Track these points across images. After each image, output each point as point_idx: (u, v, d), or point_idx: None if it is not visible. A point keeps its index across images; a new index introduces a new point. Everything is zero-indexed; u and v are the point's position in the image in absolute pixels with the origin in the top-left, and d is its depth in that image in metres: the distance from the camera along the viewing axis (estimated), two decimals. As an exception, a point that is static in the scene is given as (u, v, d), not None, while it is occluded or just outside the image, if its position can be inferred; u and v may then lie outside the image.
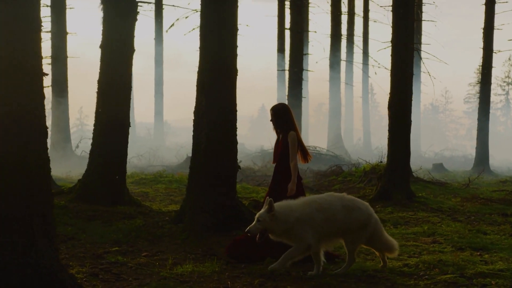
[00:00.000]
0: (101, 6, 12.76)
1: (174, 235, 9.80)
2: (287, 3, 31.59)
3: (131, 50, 12.22)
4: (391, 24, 15.94)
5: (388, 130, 15.68)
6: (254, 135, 64.03)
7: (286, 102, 28.15)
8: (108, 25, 12.03)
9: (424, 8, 39.00)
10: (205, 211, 9.81)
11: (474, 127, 31.55)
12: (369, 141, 43.96)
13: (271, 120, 8.70)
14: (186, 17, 31.80)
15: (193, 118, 10.15)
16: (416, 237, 10.58)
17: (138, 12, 12.24)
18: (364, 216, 7.71)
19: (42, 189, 5.68)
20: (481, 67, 29.86)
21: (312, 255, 7.67)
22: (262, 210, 7.53)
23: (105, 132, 12.23)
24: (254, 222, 7.50)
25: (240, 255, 8.33)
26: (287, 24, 29.94)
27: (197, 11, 32.93)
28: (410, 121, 15.78)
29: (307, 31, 32.66)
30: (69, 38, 27.10)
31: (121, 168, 12.28)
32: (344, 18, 36.73)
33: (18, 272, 5.45)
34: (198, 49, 10.02)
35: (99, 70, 12.20)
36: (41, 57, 5.70)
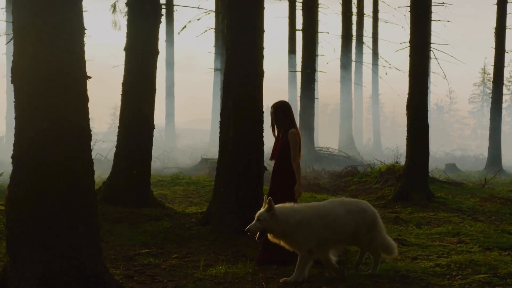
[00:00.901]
0: (125, 9, 12.81)
1: (202, 237, 9.84)
2: (298, 5, 31.66)
3: (156, 52, 12.27)
4: (408, 25, 15.98)
5: (407, 131, 15.73)
6: (266, 136, 63.92)
7: (298, 103, 28.19)
8: (133, 28, 12.07)
9: (433, 9, 38.90)
10: (232, 212, 9.84)
11: (479, 127, 31.48)
12: (379, 141, 43.93)
13: (271, 118, 8.53)
14: (198, 19, 31.84)
15: (219, 119, 10.22)
16: (441, 237, 10.61)
17: (162, 14, 12.28)
18: (372, 215, 7.69)
19: (87, 192, 5.74)
20: (493, 66, 29.82)
21: (322, 263, 7.63)
22: (262, 209, 7.44)
23: (129, 134, 12.27)
24: (254, 221, 7.41)
25: (269, 260, 8.29)
26: (298, 25, 29.98)
27: (208, 13, 33.03)
28: (428, 121, 15.82)
29: (318, 32, 32.64)
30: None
31: (145, 170, 12.33)
32: (353, 19, 36.69)
33: (64, 274, 5.50)
34: (225, 51, 10.08)
35: (123, 73, 12.24)
36: (85, 61, 5.75)
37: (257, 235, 7.42)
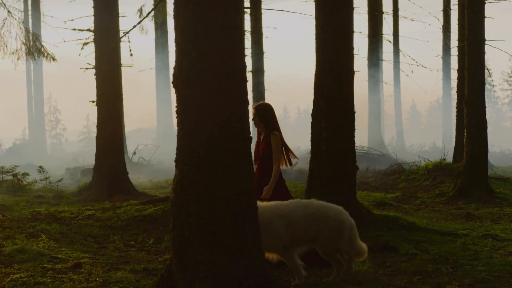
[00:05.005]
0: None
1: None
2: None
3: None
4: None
5: (465, 127, 15.81)
6: (294, 136, 63.95)
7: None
8: None
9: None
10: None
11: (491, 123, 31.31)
12: (402, 139, 43.91)
13: (252, 119, 8.20)
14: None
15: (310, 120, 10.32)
16: (529, 232, 10.72)
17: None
18: (335, 223, 7.14)
19: (249, 192, 5.84)
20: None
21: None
22: None
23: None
24: None
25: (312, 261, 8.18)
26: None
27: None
28: (486, 117, 15.90)
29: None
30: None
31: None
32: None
33: (235, 275, 5.60)
34: (315, 52, 10.19)
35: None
36: (245, 65, 5.85)
37: None
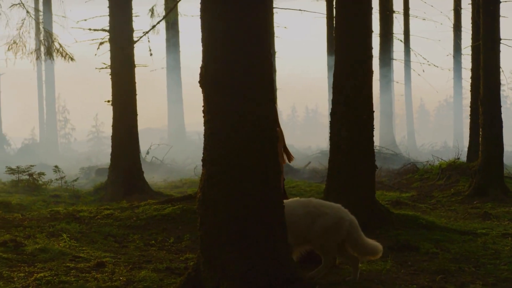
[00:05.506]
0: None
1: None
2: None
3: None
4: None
5: (481, 127, 15.80)
6: (302, 136, 64.01)
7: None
8: None
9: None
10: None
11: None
12: (413, 138, 43.87)
13: None
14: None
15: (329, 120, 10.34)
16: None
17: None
18: (333, 220, 7.13)
19: (277, 192, 5.86)
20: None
21: None
22: None
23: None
24: None
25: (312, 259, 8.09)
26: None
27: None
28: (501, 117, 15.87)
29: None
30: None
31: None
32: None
33: (265, 274, 5.61)
34: (334, 52, 10.20)
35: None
36: (272, 64, 5.86)
37: None
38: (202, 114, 5.88)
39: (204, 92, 5.80)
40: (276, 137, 5.89)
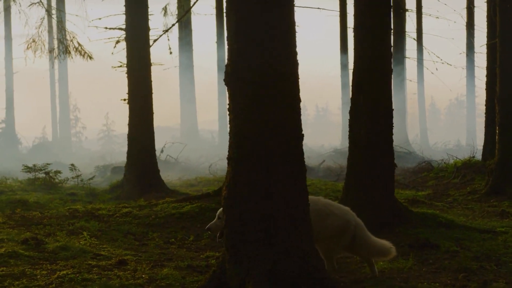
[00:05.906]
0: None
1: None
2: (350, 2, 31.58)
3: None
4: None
5: (497, 125, 15.70)
6: (313, 134, 63.94)
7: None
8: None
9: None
10: (364, 210, 9.88)
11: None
12: (426, 137, 43.74)
13: None
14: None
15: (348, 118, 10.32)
16: None
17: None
18: (340, 222, 7.10)
19: (303, 191, 5.86)
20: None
21: None
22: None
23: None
24: (215, 219, 6.99)
25: None
26: (350, 23, 29.92)
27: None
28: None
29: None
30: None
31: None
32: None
33: (290, 271, 5.62)
34: (353, 51, 10.19)
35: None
36: (297, 63, 5.86)
37: (218, 235, 6.88)
38: (228, 112, 5.88)
39: (229, 90, 5.81)
40: (302, 135, 5.89)
